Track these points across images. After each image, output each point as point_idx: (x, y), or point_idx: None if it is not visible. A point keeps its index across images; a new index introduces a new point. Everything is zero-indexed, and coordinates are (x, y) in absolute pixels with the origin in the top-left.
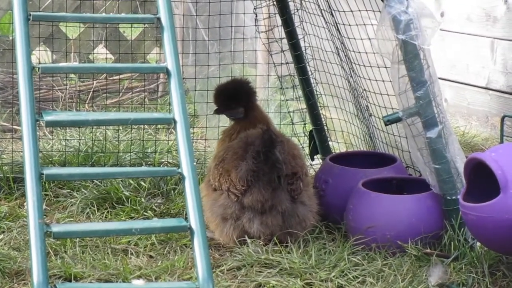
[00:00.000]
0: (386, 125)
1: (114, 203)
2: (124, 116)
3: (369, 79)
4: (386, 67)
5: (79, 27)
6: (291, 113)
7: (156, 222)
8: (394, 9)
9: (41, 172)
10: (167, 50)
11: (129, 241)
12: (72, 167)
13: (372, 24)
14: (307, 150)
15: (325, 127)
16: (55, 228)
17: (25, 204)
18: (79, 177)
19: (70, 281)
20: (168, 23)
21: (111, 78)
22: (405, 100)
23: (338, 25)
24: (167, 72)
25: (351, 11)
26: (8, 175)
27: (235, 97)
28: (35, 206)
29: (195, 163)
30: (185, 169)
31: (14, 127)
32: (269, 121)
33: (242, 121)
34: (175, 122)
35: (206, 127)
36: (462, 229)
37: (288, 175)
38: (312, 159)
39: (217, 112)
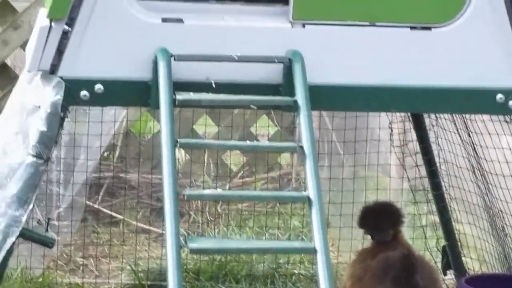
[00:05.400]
0: None
1: None
2: (266, 245)
3: (506, 202)
4: None
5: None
6: (424, 228)
7: None
8: None
9: None
10: (308, 179)
11: None
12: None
13: (510, 149)
14: (439, 264)
15: (459, 243)
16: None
17: None
18: None
19: None
20: (310, 152)
21: (247, 178)
22: None
23: (475, 146)
24: (309, 201)
25: (489, 134)
26: (143, 282)
27: (387, 219)
28: None
29: None
30: None
31: (151, 228)
32: (410, 245)
33: (384, 243)
34: (315, 251)
35: (339, 239)
36: None
37: None
38: (445, 274)
39: (366, 232)
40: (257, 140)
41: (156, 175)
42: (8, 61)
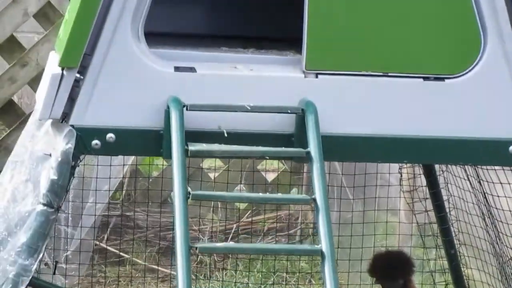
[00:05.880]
0: None
1: None
2: None
3: None
4: None
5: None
6: (433, 273)
7: None
8: None
9: None
10: (321, 232)
11: None
12: None
13: None
14: None
15: None
16: None
17: None
18: None
19: None
20: (323, 204)
21: (256, 218)
22: None
23: (486, 194)
24: (321, 255)
25: (500, 183)
26: None
27: (397, 269)
28: None
29: None
30: None
31: (159, 268)
32: None
33: None
34: None
35: (348, 284)
36: None
37: None
38: None
39: (376, 281)
40: (266, 180)
41: (164, 214)
42: (15, 98)
